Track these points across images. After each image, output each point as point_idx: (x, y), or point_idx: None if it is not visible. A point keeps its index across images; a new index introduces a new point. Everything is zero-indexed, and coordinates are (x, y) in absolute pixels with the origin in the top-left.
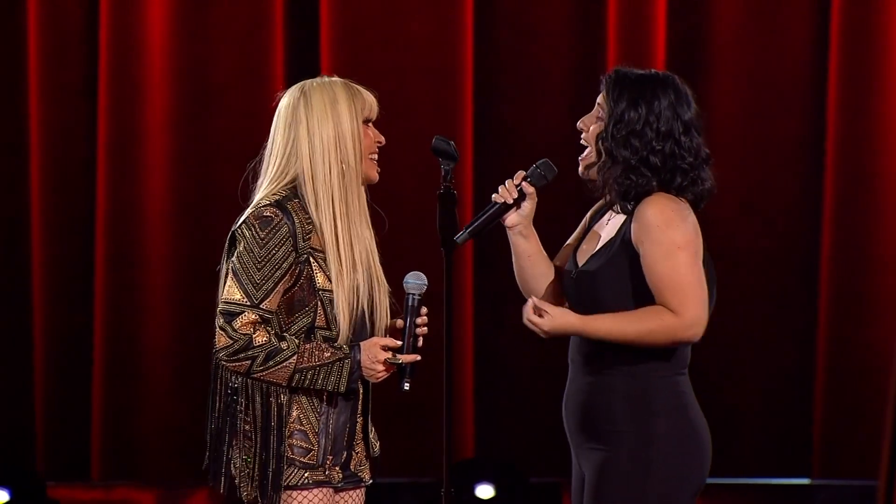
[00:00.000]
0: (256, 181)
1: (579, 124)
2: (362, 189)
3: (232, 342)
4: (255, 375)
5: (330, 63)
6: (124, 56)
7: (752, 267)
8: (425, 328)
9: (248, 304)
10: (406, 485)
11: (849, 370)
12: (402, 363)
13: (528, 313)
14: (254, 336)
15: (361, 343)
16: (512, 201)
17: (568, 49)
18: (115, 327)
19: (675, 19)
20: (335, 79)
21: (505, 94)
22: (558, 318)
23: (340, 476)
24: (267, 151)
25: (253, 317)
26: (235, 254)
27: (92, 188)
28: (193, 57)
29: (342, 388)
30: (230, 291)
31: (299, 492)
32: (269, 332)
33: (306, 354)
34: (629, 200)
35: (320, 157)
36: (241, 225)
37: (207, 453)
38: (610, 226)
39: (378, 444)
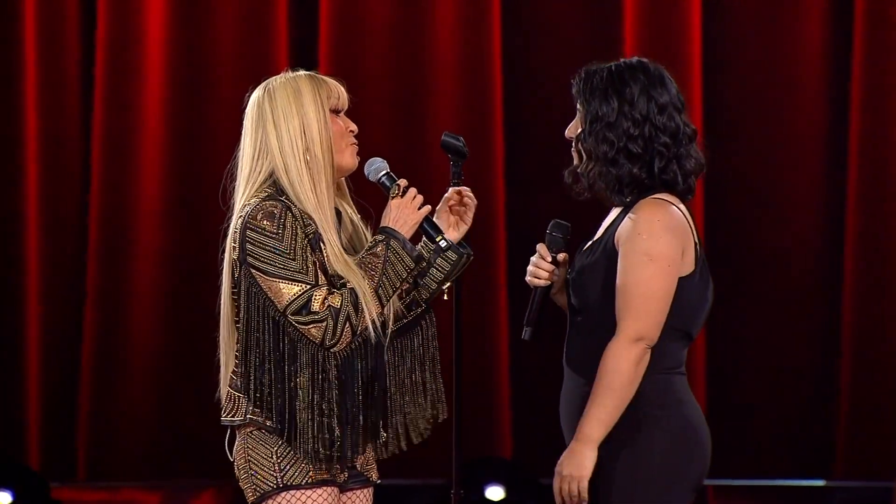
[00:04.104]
0: (233, 183)
1: (566, 134)
2: (332, 178)
3: (324, 324)
4: (359, 329)
5: (332, 55)
6: (121, 49)
7: (773, 264)
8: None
9: (309, 287)
10: (416, 486)
11: (869, 371)
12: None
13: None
14: (331, 304)
15: (382, 226)
16: (553, 279)
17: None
18: (107, 324)
19: (703, 16)
20: (300, 72)
21: (526, 92)
22: (567, 467)
23: (346, 476)
24: (239, 153)
25: (322, 292)
26: (255, 264)
27: (87, 182)
28: (191, 50)
29: (411, 263)
30: (282, 293)
31: (302, 491)
32: (338, 293)
33: (367, 270)
34: (624, 194)
35: (290, 150)
36: (243, 233)
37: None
38: (606, 222)
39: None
